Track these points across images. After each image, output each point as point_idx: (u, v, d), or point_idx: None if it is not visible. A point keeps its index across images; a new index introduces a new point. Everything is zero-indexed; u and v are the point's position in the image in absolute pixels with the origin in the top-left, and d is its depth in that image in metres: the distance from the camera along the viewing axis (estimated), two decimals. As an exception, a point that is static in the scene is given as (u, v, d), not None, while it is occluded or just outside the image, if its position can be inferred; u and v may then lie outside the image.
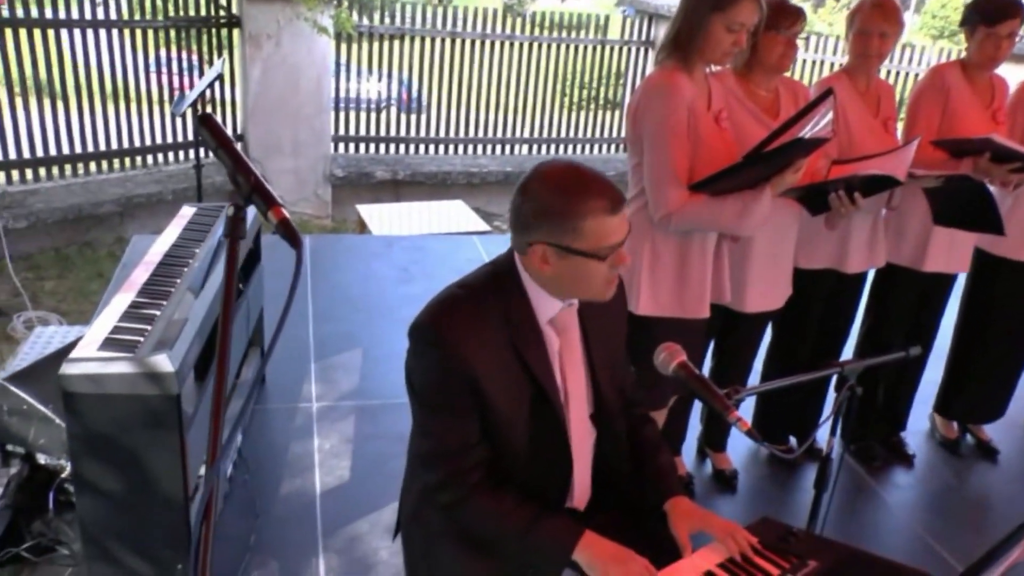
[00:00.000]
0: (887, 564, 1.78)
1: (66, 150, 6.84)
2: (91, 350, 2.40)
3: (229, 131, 7.46)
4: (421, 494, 1.98)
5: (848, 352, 3.71)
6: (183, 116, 6.44)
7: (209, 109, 7.55)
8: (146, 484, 2.48)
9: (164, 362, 2.36)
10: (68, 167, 6.89)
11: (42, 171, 6.74)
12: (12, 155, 6.54)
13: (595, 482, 2.07)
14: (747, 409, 3.79)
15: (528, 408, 1.85)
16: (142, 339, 2.49)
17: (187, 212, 3.56)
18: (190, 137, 7.36)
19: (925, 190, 3.14)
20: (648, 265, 2.77)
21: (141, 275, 2.92)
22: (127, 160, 7.31)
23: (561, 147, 9.37)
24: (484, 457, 1.85)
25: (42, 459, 2.96)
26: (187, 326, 2.60)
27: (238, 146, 1.19)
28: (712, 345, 3.44)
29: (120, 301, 2.73)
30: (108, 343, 2.45)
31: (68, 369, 2.34)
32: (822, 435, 2.28)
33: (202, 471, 3.01)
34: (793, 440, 3.86)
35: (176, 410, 2.41)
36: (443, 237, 6.40)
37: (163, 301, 2.74)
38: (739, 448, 3.79)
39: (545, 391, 1.84)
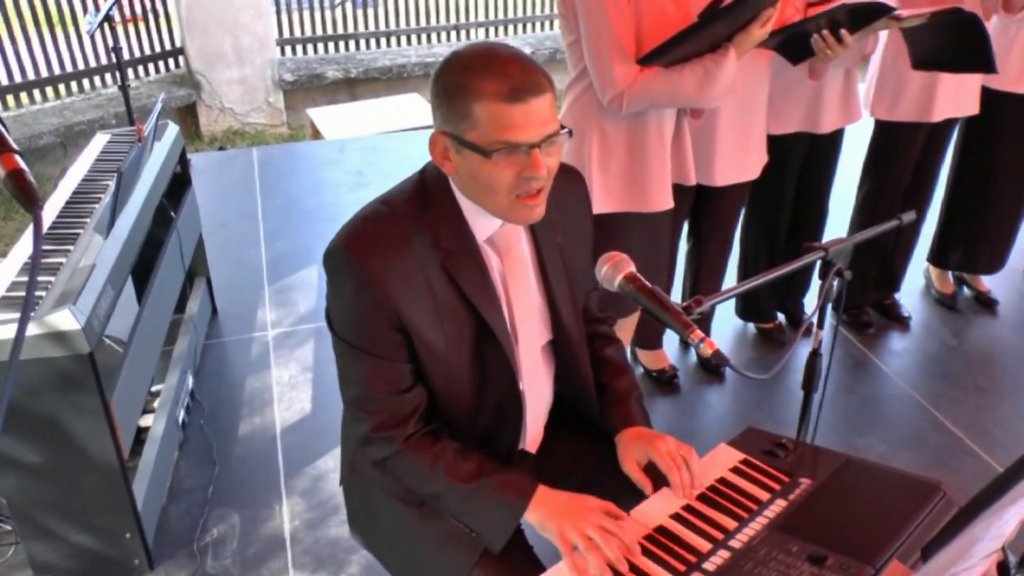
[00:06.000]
0: (889, 474, 1.54)
1: (-7, 83, 6.43)
2: (-16, 314, 2.13)
3: (167, 46, 7.18)
4: (356, 444, 1.71)
5: (832, 224, 3.42)
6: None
7: (141, 25, 7.10)
8: (73, 452, 2.24)
9: (67, 319, 2.08)
10: (-2, 101, 6.49)
11: (-31, 108, 6.36)
12: (-65, 95, 6.13)
13: (552, 419, 1.81)
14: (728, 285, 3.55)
15: (470, 345, 1.56)
16: (43, 294, 2.21)
17: (100, 140, 3.23)
18: (125, 57, 6.89)
19: (903, 30, 2.82)
20: (598, 155, 2.46)
21: (46, 218, 2.63)
22: (61, 87, 6.87)
23: (520, 27, 8.91)
24: (418, 405, 1.57)
25: (-28, 428, 2.72)
26: (95, 273, 2.31)
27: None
28: (686, 227, 3.18)
29: (20, 251, 2.45)
30: (2, 303, 2.17)
31: (-43, 339, 2.07)
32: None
33: (145, 420, 2.78)
34: (782, 316, 3.64)
35: (91, 369, 2.14)
36: (399, 135, 6.04)
37: (69, 247, 2.45)
38: (724, 331, 3.58)
39: (487, 323, 1.54)
